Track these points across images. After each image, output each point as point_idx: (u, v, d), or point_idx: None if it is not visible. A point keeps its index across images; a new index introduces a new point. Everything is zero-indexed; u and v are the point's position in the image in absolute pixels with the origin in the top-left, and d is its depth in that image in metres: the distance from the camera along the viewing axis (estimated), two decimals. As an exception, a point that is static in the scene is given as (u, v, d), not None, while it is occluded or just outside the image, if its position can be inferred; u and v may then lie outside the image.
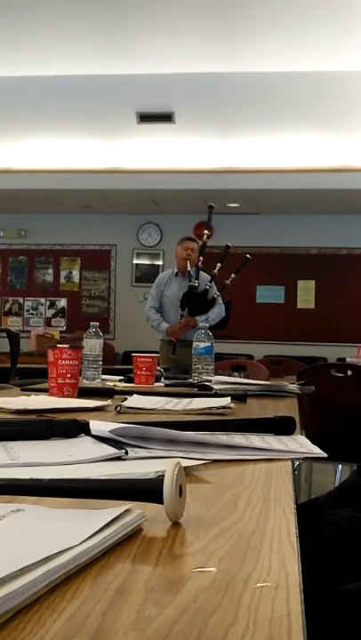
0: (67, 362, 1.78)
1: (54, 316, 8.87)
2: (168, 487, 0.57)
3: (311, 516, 1.46)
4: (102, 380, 2.46)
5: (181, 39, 5.93)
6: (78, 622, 0.38)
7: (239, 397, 1.80)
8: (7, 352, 2.93)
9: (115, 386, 2.14)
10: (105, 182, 7.27)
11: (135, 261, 8.75)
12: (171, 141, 7.12)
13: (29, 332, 8.40)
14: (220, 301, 4.96)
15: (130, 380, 2.41)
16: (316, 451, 1.00)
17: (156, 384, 2.39)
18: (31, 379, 2.62)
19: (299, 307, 8.37)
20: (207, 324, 2.70)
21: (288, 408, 1.75)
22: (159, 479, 0.58)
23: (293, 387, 2.13)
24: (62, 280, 8.90)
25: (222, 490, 0.75)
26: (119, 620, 0.39)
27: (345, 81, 6.41)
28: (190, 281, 4.89)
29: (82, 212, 8.53)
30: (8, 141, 7.30)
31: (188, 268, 5.00)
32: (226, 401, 1.58)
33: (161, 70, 6.47)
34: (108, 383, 2.34)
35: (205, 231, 4.62)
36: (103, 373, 2.51)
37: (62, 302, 8.88)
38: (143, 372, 2.36)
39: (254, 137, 6.93)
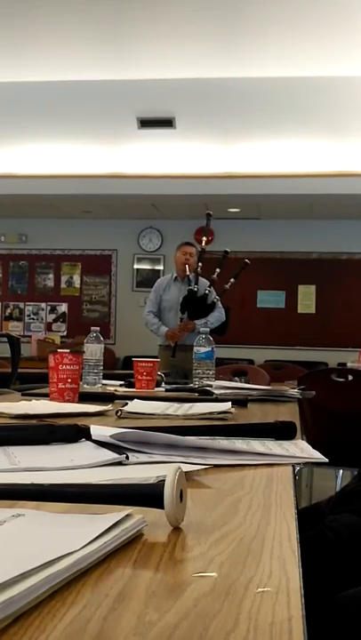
0: (67, 367, 1.78)
1: (55, 320, 8.87)
2: (169, 492, 0.57)
3: (312, 521, 1.46)
4: (103, 384, 2.46)
5: (182, 45, 5.95)
6: (79, 627, 0.38)
7: (240, 402, 1.80)
8: (8, 357, 2.92)
9: (115, 391, 2.14)
10: (105, 187, 7.28)
11: (136, 266, 8.75)
12: (171, 146, 7.13)
13: (30, 336, 8.39)
14: (220, 305, 4.96)
15: (130, 385, 2.41)
16: (317, 456, 1.00)
17: (157, 389, 2.38)
18: (32, 384, 2.62)
19: (299, 312, 8.36)
20: (207, 329, 2.70)
21: (289, 413, 1.75)
22: (160, 484, 0.58)
23: (294, 392, 2.13)
24: (63, 285, 8.90)
25: (223, 495, 0.75)
26: (120, 625, 0.39)
27: (345, 86, 6.43)
28: (190, 285, 4.90)
29: (82, 217, 8.54)
30: (9, 146, 7.31)
31: (188, 273, 5.01)
32: (227, 406, 1.58)
33: (161, 75, 6.49)
34: (108, 388, 2.34)
35: (203, 238, 4.64)
36: (104, 378, 2.51)
37: (63, 307, 8.89)
38: (144, 377, 2.36)
39: (255, 142, 6.94)
